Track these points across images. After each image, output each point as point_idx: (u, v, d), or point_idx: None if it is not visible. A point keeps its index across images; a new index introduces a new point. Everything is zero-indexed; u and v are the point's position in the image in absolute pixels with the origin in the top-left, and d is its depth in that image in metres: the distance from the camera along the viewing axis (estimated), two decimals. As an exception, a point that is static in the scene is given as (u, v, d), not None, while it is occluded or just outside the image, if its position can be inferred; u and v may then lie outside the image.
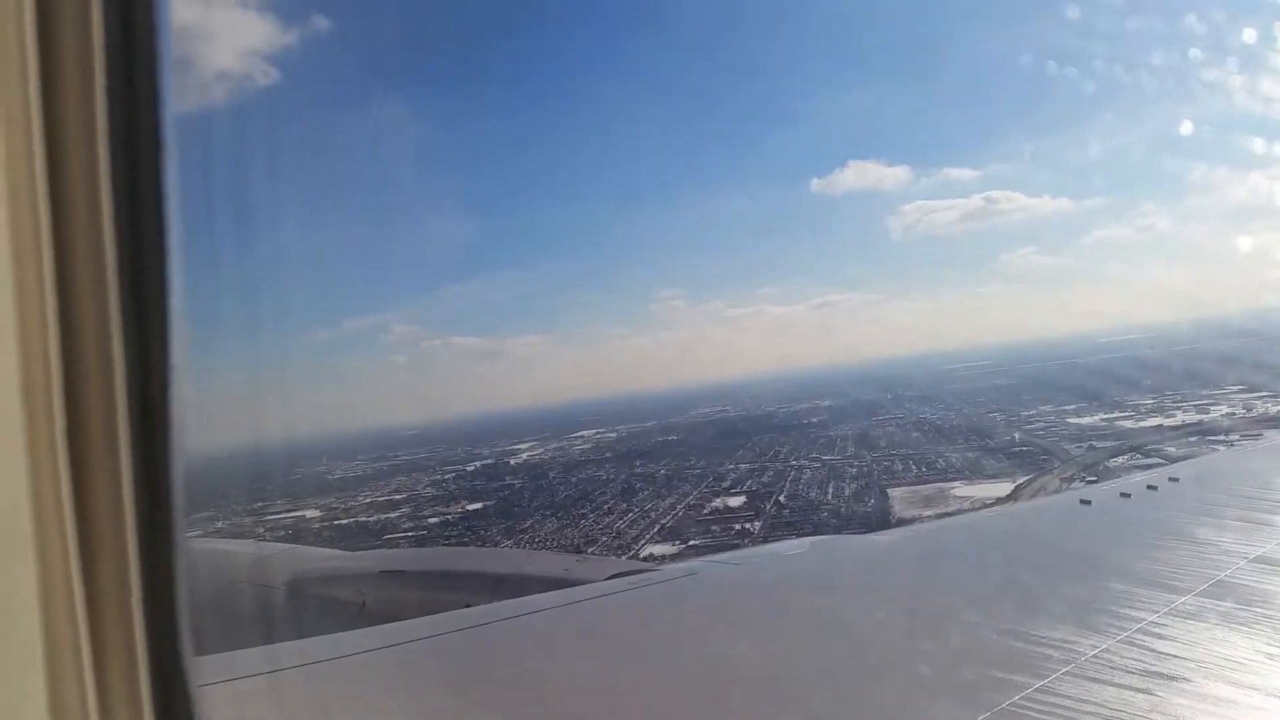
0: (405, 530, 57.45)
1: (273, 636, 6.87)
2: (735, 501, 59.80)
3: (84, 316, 1.48)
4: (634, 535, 53.24)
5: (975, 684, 4.53)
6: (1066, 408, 77.50)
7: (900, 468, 65.50)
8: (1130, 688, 4.41)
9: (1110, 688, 4.40)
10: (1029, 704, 4.19)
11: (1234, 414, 64.28)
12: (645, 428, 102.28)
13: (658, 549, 47.99)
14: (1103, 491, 10.96)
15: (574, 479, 72.75)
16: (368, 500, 67.49)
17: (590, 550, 47.06)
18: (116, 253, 1.49)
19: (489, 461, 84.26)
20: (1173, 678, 4.56)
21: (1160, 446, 54.48)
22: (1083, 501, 9.57)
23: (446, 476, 77.16)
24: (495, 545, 49.15)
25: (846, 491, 59.67)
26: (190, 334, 1.63)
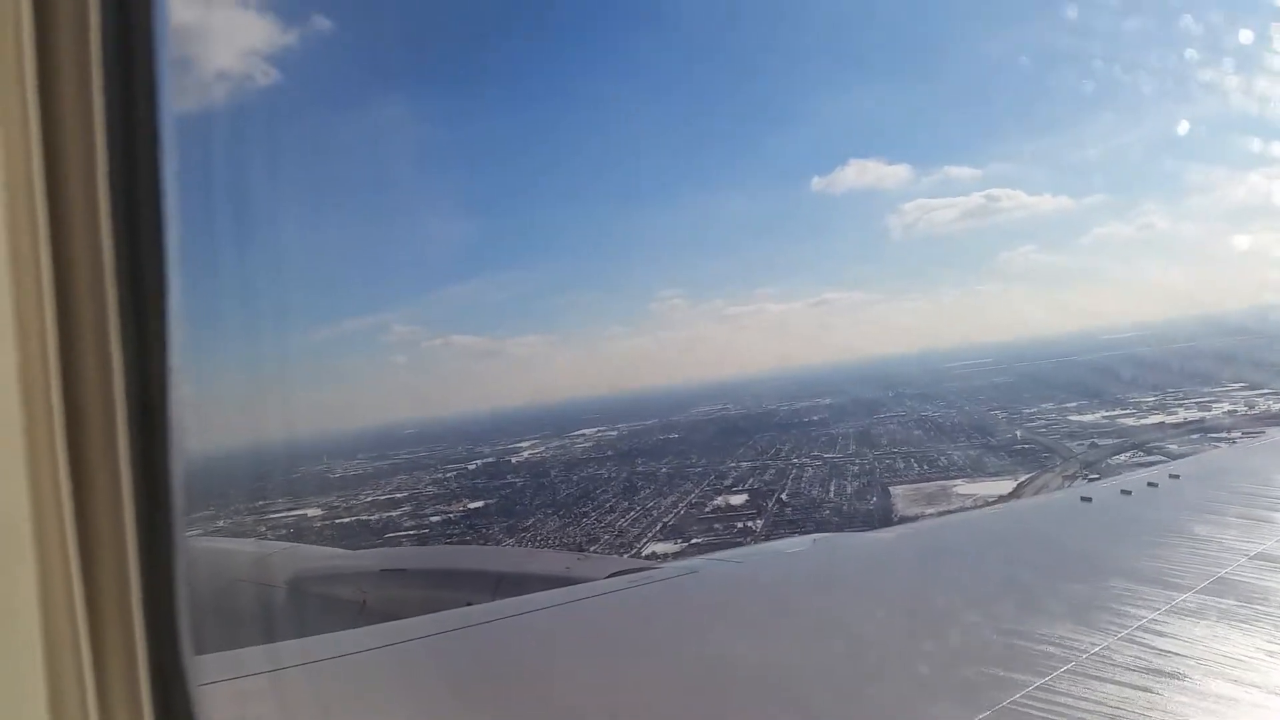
0: (407, 529, 57.47)
1: (273, 635, 6.87)
2: (737, 500, 59.80)
3: (82, 317, 1.48)
4: (636, 533, 53.24)
5: (975, 682, 4.53)
6: (1067, 405, 77.48)
7: (902, 465, 65.47)
8: (1131, 685, 4.41)
9: (1111, 686, 4.40)
10: (1029, 702, 4.19)
11: (1235, 411, 64.24)
12: (646, 426, 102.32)
13: (660, 547, 47.96)
14: (1103, 489, 10.95)
15: (575, 477, 72.77)
16: (369, 499, 67.52)
17: (593, 549, 47.08)
18: (115, 253, 1.49)
19: (490, 460, 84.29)
20: (1173, 675, 4.56)
21: (1162, 444, 54.44)
22: (1083, 499, 9.57)
23: (448, 475, 77.19)
24: (498, 543, 49.14)
25: (848, 489, 59.64)
26: (190, 334, 1.63)
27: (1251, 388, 68.37)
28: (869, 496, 57.61)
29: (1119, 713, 4.14)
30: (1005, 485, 53.53)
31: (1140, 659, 4.74)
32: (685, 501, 59.93)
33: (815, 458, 69.96)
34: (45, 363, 1.43)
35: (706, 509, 58.13)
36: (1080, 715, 4.09)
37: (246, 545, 9.68)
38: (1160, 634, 5.12)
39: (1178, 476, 10.08)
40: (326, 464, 72.87)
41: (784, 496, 59.06)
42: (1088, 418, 71.98)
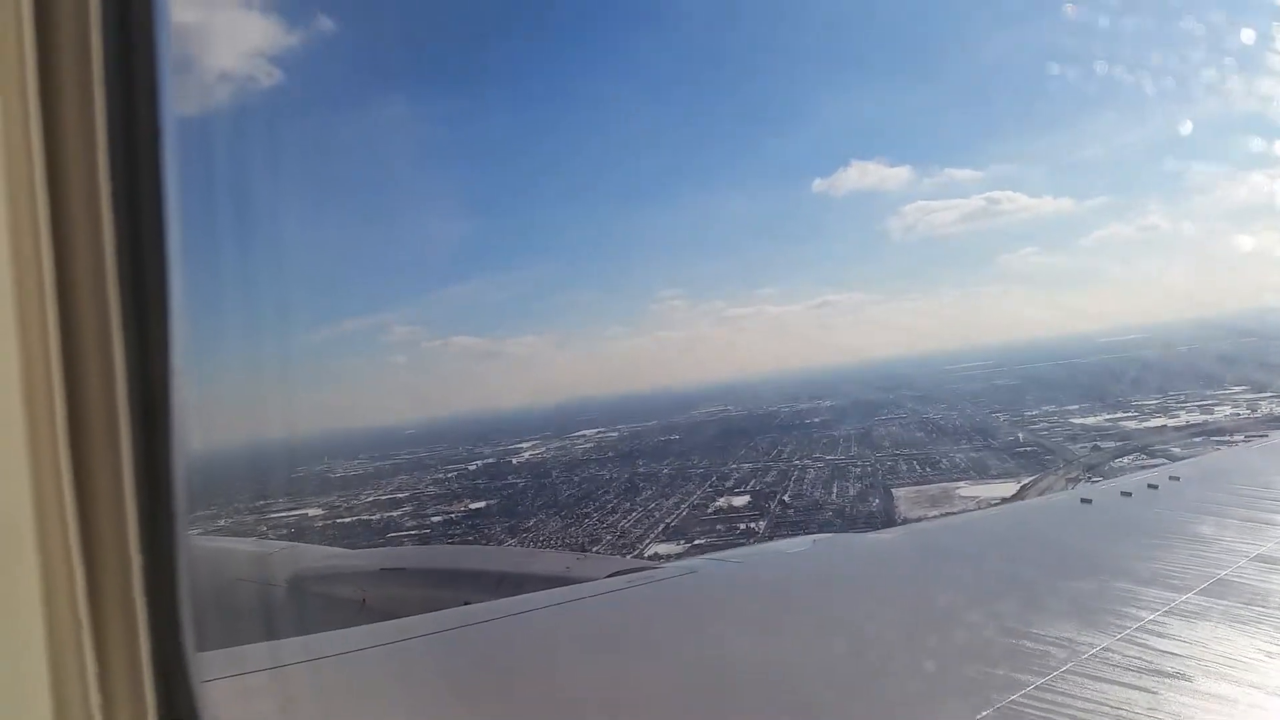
0: (409, 529, 57.50)
1: (274, 633, 6.88)
2: (739, 501, 59.80)
3: (84, 317, 1.48)
4: (638, 534, 53.25)
5: (975, 682, 4.53)
6: (1069, 408, 77.44)
7: (904, 468, 65.44)
8: (1131, 686, 4.41)
9: (1110, 686, 4.41)
10: (1029, 702, 4.19)
11: (1238, 414, 64.17)
12: (647, 427, 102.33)
13: (663, 548, 47.92)
14: (1103, 490, 10.95)
15: (577, 478, 72.81)
16: (370, 499, 67.57)
17: (595, 549, 47.05)
18: (116, 253, 1.49)
19: (491, 460, 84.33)
20: (1173, 676, 4.57)
21: (1165, 446, 54.38)
22: (1083, 500, 9.57)
23: (449, 475, 77.26)
24: (499, 544, 49.16)
25: (851, 491, 59.62)
26: (191, 333, 1.64)
27: (1254, 390, 68.28)
28: (871, 498, 57.57)
29: (1119, 713, 4.14)
30: (1008, 488, 53.46)
31: (1140, 660, 4.74)
32: (687, 503, 59.92)
33: (817, 459, 69.95)
34: (47, 363, 1.44)
35: (709, 510, 58.12)
36: (1080, 715, 4.09)
37: (247, 544, 9.70)
38: (1160, 635, 5.12)
39: (1178, 478, 10.08)
40: (327, 464, 72.96)
41: (786, 498, 59.04)
42: (1090, 420, 71.93)
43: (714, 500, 60.51)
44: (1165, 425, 65.53)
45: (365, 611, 7.11)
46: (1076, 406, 77.25)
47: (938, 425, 79.98)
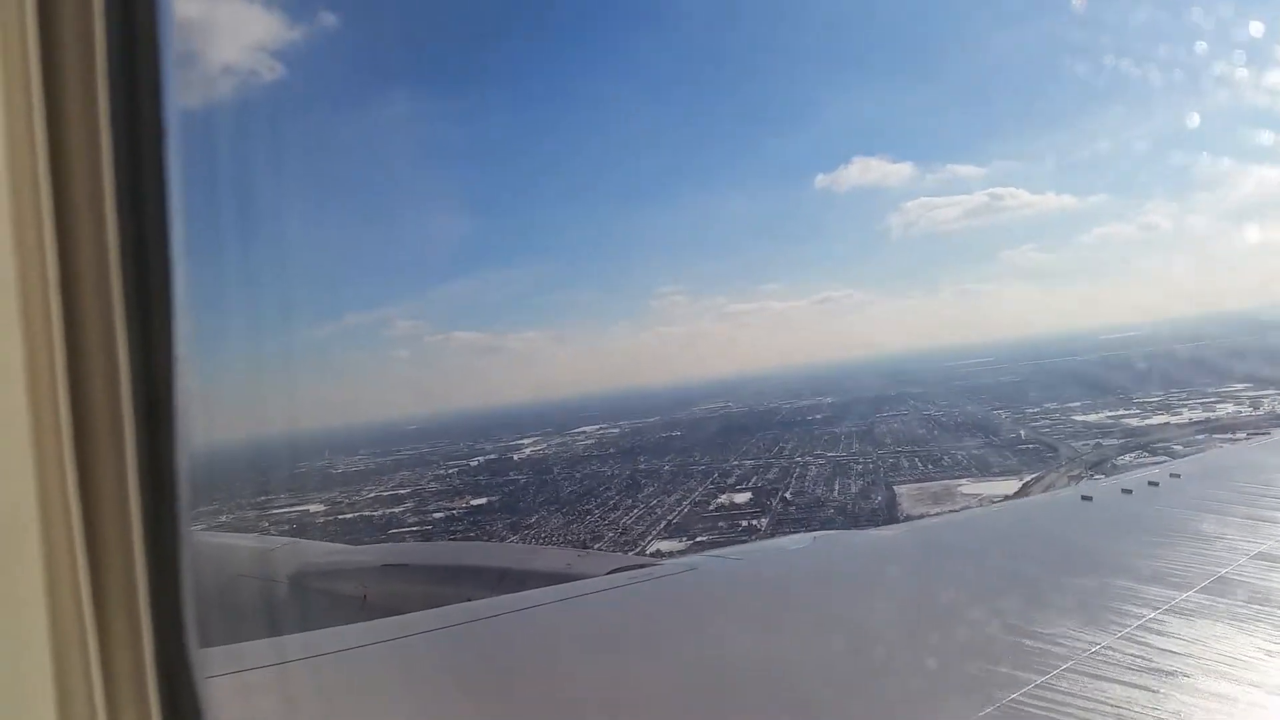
0: (410, 525, 57.56)
1: (277, 630, 6.90)
2: (741, 498, 59.81)
3: (88, 312, 1.48)
4: (640, 531, 53.27)
5: (975, 679, 4.54)
6: (1071, 405, 77.36)
7: (906, 464, 65.42)
8: (1131, 684, 4.42)
9: (1111, 684, 4.41)
10: (1029, 700, 4.19)
11: (1240, 411, 64.11)
12: (648, 423, 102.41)
13: (665, 545, 47.86)
14: (1104, 487, 10.95)
15: (578, 474, 72.82)
16: (372, 495, 67.63)
17: (597, 546, 47.12)
18: (120, 247, 1.49)
19: (493, 456, 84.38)
20: (1173, 674, 4.57)
21: (1168, 444, 54.33)
22: (1084, 497, 9.57)
23: (450, 471, 77.31)
24: (501, 540, 49.20)
25: (853, 488, 59.60)
26: (194, 329, 1.64)
27: (1257, 387, 68.18)
28: (873, 495, 57.54)
29: (1119, 711, 4.14)
30: (1011, 485, 53.41)
31: (1140, 658, 4.75)
32: (689, 500, 59.93)
33: (819, 456, 69.94)
34: (51, 358, 1.44)
35: (710, 507, 58.12)
36: (1080, 713, 4.09)
37: (250, 540, 9.72)
38: (1160, 633, 5.12)
39: (1179, 475, 10.07)
40: (329, 460, 73.04)
41: (788, 495, 59.02)
42: (1092, 417, 71.88)
43: (716, 497, 60.51)
44: (1168, 422, 65.46)
45: (367, 608, 7.13)
46: (1078, 403, 77.19)
47: (939, 422, 79.98)
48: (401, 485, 71.16)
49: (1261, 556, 6.71)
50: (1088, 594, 5.93)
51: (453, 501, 65.09)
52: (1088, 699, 4.24)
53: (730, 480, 65.17)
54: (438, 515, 60.78)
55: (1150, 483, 9.68)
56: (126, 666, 1.53)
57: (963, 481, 57.88)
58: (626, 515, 57.55)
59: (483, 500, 65.19)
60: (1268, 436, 19.05)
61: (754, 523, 52.89)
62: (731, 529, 51.86)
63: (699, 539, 48.03)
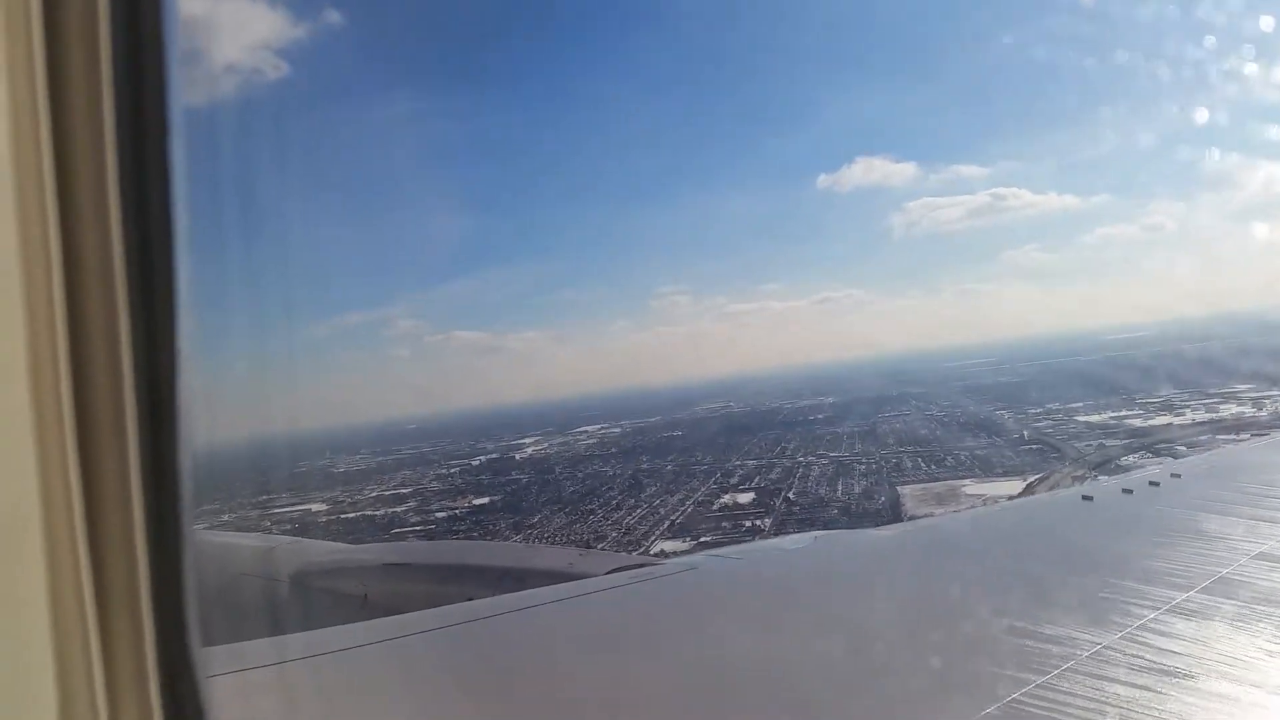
0: (413, 524, 57.55)
1: (278, 629, 6.90)
2: (744, 498, 59.73)
3: (91, 310, 1.48)
4: (644, 531, 53.23)
5: (975, 679, 4.54)
6: (1074, 405, 77.25)
7: (909, 465, 65.35)
8: (1131, 684, 4.42)
9: (1112, 684, 4.41)
10: (1029, 700, 4.19)
11: (1244, 412, 64.00)
12: (650, 423, 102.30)
13: (668, 545, 47.77)
14: (1105, 487, 10.94)
15: (580, 474, 72.77)
16: (374, 494, 67.56)
17: (600, 546, 47.09)
18: (124, 246, 1.50)
19: (494, 456, 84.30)
20: (1174, 674, 4.57)
21: (1171, 444, 54.22)
22: (1084, 497, 9.57)
23: (452, 471, 77.24)
24: (504, 540, 49.19)
25: (856, 489, 59.52)
26: (197, 327, 1.64)
27: (1261, 387, 68.03)
28: (877, 495, 57.45)
29: (1120, 711, 4.14)
30: (1014, 485, 53.31)
31: (1141, 658, 4.74)
32: (692, 499, 59.88)
33: (821, 456, 69.85)
34: (54, 356, 1.44)
35: (714, 507, 58.06)
36: (1080, 713, 4.09)
37: (251, 539, 9.73)
38: (1161, 633, 5.12)
39: (1179, 475, 10.06)
40: (330, 459, 73.05)
41: (791, 495, 58.95)
42: (1095, 418, 71.74)
43: (718, 497, 60.45)
44: (1171, 423, 65.35)
45: (368, 607, 7.14)
46: (1081, 404, 77.07)
47: (942, 422, 79.88)
48: (403, 484, 71.12)
49: (1263, 556, 6.70)
50: (1088, 593, 5.92)
51: (455, 501, 65.06)
52: (1089, 699, 4.24)
53: (733, 480, 65.10)
54: (440, 515, 60.76)
55: (1151, 483, 9.67)
56: (128, 665, 1.53)
57: (966, 482, 57.78)
58: (630, 515, 57.52)
59: (485, 500, 65.15)
60: (1269, 436, 19.01)
61: (758, 523, 52.79)
62: (735, 529, 51.78)
63: (703, 539, 47.93)
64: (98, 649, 1.49)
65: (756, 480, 64.64)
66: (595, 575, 6.68)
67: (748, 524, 52.78)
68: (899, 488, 58.55)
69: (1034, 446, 65.67)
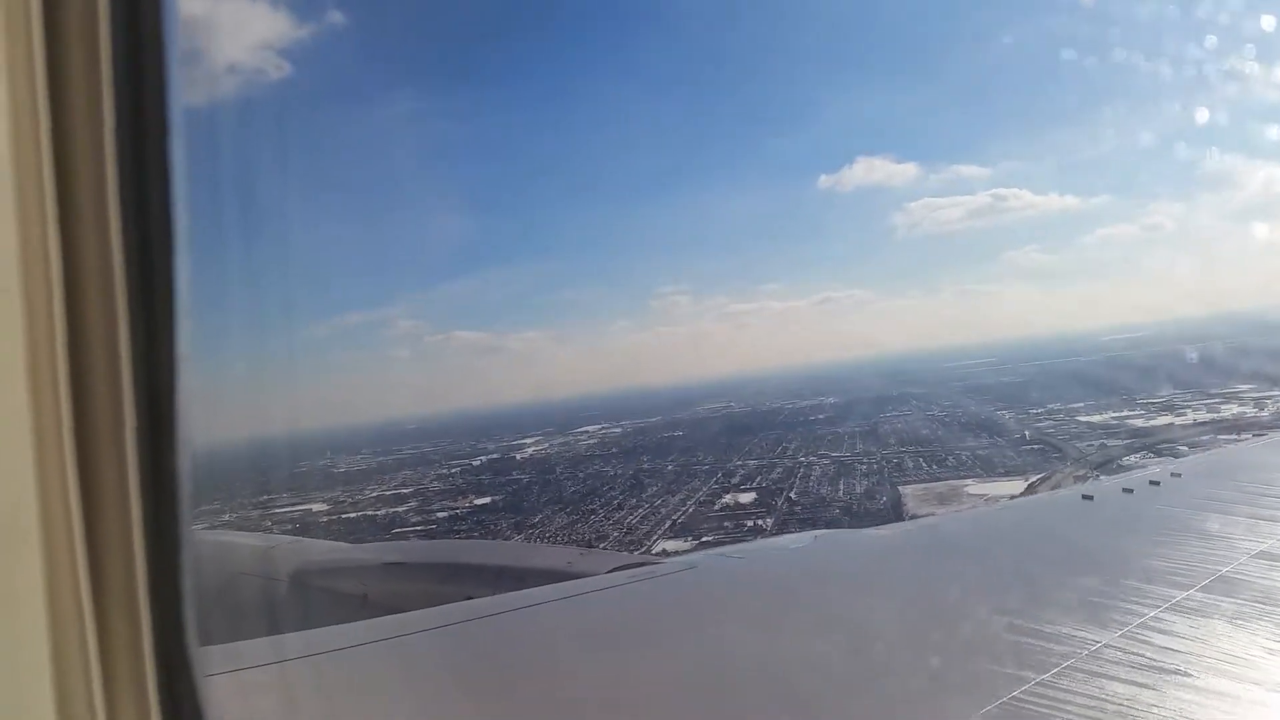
0: (414, 524, 57.55)
1: (277, 628, 6.91)
2: (746, 498, 59.72)
3: (90, 310, 1.48)
4: (646, 531, 53.23)
5: (974, 678, 4.54)
6: (1075, 405, 77.21)
7: (911, 464, 65.33)
8: (1131, 682, 4.42)
9: (1112, 682, 4.41)
10: (1029, 698, 4.20)
11: (1245, 412, 63.95)
12: (650, 423, 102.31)
13: (670, 545, 47.75)
14: (1105, 487, 10.94)
15: (581, 474, 72.79)
16: (374, 495, 67.57)
17: (602, 546, 47.07)
18: (123, 247, 1.50)
19: (495, 456, 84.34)
20: (1174, 673, 4.57)
21: (1173, 444, 54.17)
22: (1085, 496, 9.57)
23: (453, 471, 77.25)
24: (506, 540, 49.14)
25: (858, 488, 59.50)
26: (196, 327, 1.64)
27: (1262, 387, 67.97)
28: (879, 495, 57.42)
29: (1120, 709, 4.14)
30: (1016, 485, 53.26)
31: (1141, 656, 4.75)
32: (694, 499, 59.88)
33: (822, 456, 69.84)
34: (53, 356, 1.44)
35: (715, 507, 58.05)
36: (1080, 712, 4.09)
37: (250, 539, 9.73)
38: (1161, 631, 5.12)
39: (1180, 475, 10.06)
40: (331, 459, 73.06)
41: (793, 495, 58.95)
42: (1096, 418, 71.72)
43: (720, 497, 60.43)
44: (1172, 423, 65.31)
45: (367, 606, 7.14)
46: (1082, 404, 77.04)
47: (943, 422, 79.87)
48: (404, 484, 71.13)
49: (1263, 555, 6.70)
50: (1088, 592, 5.93)
51: (456, 501, 65.05)
52: (1089, 697, 4.24)
53: (734, 480, 65.10)
54: (441, 515, 60.77)
55: (1151, 482, 9.67)
56: (126, 665, 1.53)
57: (968, 482, 57.76)
58: (631, 515, 57.53)
59: (487, 500, 65.17)
60: (1269, 436, 19.00)
61: (759, 523, 52.76)
62: (737, 529, 51.75)
63: (704, 539, 47.90)
64: (95, 649, 1.49)
65: (758, 480, 64.64)
66: (595, 574, 6.68)
67: (749, 524, 52.75)
68: (901, 487, 58.54)
69: (1035, 446, 65.64)
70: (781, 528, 49.50)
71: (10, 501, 1.42)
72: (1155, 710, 4.14)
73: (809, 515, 52.49)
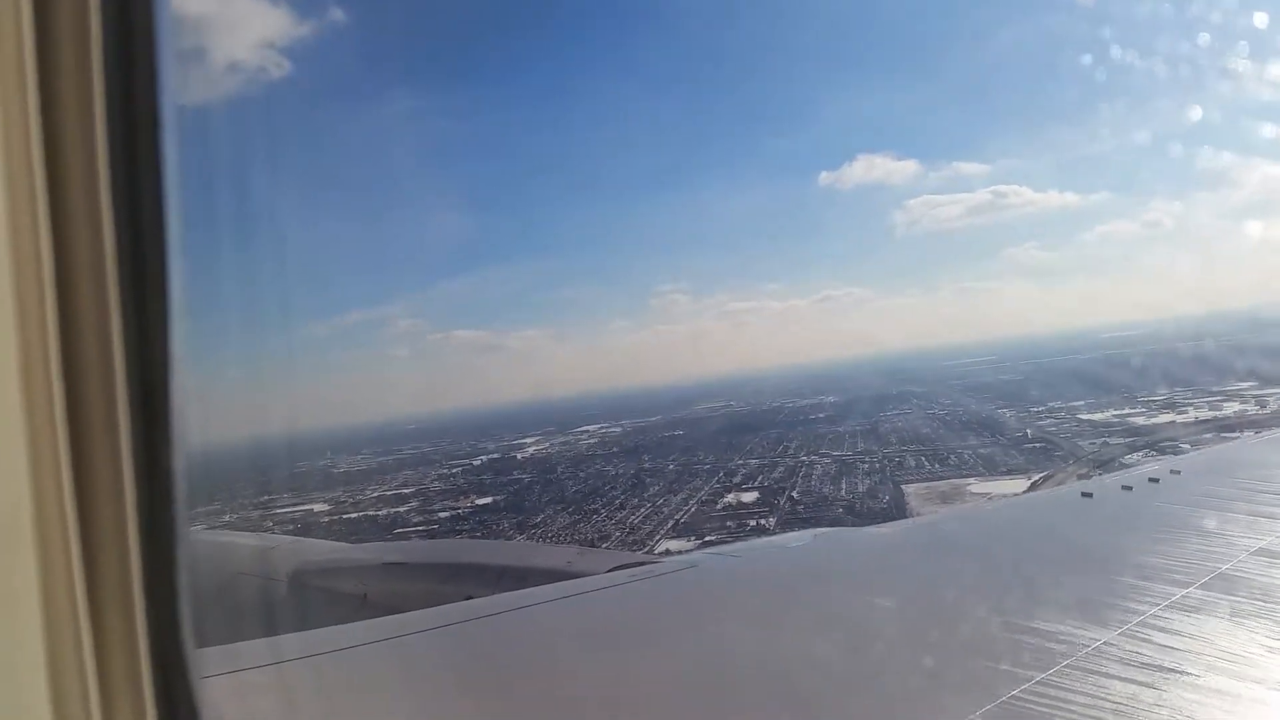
0: (416, 524, 57.55)
1: (275, 629, 6.91)
2: (748, 497, 59.65)
3: (84, 309, 1.48)
4: (648, 531, 53.20)
5: (974, 676, 4.54)
6: (1076, 403, 77.17)
7: (913, 463, 65.30)
8: (1131, 681, 4.41)
9: (1112, 680, 4.41)
10: (1030, 697, 4.19)
11: (1246, 409, 63.93)
12: (650, 422, 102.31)
13: (673, 544, 47.66)
14: (1105, 484, 10.93)
15: (582, 474, 72.78)
16: (375, 495, 67.58)
17: (605, 545, 47.04)
18: (116, 245, 1.50)
19: (495, 456, 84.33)
20: (1173, 670, 4.56)
21: (1174, 442, 54.12)
22: (1084, 494, 9.56)
23: (454, 471, 77.24)
24: (508, 540, 49.11)
25: (860, 487, 59.45)
26: (193, 327, 1.64)
27: (1262, 385, 67.93)
28: (881, 494, 57.36)
29: (1120, 707, 4.14)
30: (1018, 484, 53.12)
31: (1140, 654, 4.74)
32: (696, 499, 59.85)
33: (824, 455, 69.82)
34: (46, 355, 1.44)
35: (718, 506, 58.01)
36: (1081, 710, 4.09)
37: (248, 539, 9.73)
38: (1161, 629, 5.12)
39: (1179, 472, 10.06)
40: (330, 459, 73.11)
41: (795, 494, 58.93)
42: (1097, 416, 71.68)
43: (722, 496, 60.39)
44: (1174, 421, 65.27)
45: (367, 606, 7.14)
46: (1083, 402, 77.00)
47: (944, 420, 79.86)
48: (405, 485, 71.13)
49: (1262, 552, 6.70)
50: (1088, 590, 5.92)
51: (458, 501, 65.04)
52: (1089, 695, 4.23)
53: (736, 479, 65.07)
54: (443, 515, 60.76)
55: (1151, 479, 9.67)
56: (121, 665, 1.53)
57: (970, 480, 57.69)
58: (633, 514, 57.51)
59: (488, 500, 65.14)
60: (1267, 433, 19.01)
61: (762, 522, 52.69)
62: (740, 528, 51.64)
63: (707, 538, 47.82)
64: (90, 649, 1.48)
65: (760, 479, 64.62)
66: (595, 574, 6.68)
67: (752, 523, 52.67)
68: (903, 486, 58.51)
69: (1037, 445, 65.58)
70: (784, 527, 49.44)
71: (5, 501, 1.41)
72: (1155, 709, 4.14)
73: (811, 514, 52.45)
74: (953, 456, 65.45)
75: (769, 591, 6.59)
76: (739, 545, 9.93)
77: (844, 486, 59.98)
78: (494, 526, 56.44)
